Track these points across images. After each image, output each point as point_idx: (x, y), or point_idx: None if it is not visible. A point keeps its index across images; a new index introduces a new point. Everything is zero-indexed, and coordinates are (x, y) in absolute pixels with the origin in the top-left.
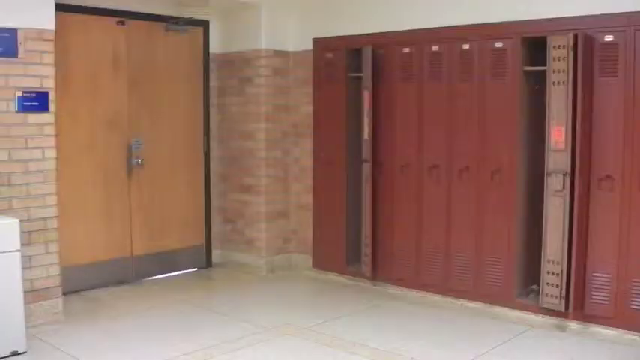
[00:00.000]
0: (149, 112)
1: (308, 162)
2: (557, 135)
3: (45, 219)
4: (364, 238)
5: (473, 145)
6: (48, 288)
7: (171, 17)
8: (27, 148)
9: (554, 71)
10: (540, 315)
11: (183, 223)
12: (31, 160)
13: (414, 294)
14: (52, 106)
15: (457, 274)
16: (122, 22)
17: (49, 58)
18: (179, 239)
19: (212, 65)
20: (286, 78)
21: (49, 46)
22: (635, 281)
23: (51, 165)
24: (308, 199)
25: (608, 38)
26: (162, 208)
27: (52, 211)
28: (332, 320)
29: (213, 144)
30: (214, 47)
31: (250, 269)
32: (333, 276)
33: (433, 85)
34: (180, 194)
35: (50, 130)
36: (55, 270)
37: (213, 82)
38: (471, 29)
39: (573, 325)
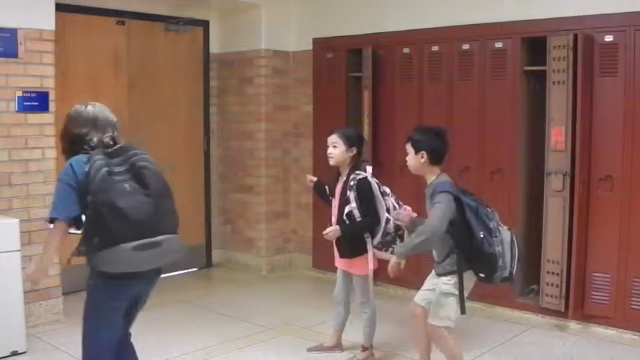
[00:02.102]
0: (149, 112)
1: (308, 162)
2: (557, 135)
3: (45, 219)
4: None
5: (473, 145)
6: (48, 288)
7: (171, 17)
8: (27, 148)
9: (554, 71)
10: (540, 315)
11: (183, 223)
12: (31, 160)
13: (414, 294)
14: (52, 106)
15: None
16: (122, 22)
17: (49, 58)
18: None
19: (212, 65)
20: (286, 78)
21: (49, 46)
22: (635, 281)
23: (51, 165)
24: (308, 199)
25: (608, 38)
26: None
27: None
28: (332, 320)
29: (213, 144)
30: (214, 47)
31: (250, 269)
32: (332, 276)
33: (433, 85)
34: (180, 194)
35: (50, 130)
36: (55, 270)
37: (213, 82)
38: (471, 29)
39: (573, 325)
